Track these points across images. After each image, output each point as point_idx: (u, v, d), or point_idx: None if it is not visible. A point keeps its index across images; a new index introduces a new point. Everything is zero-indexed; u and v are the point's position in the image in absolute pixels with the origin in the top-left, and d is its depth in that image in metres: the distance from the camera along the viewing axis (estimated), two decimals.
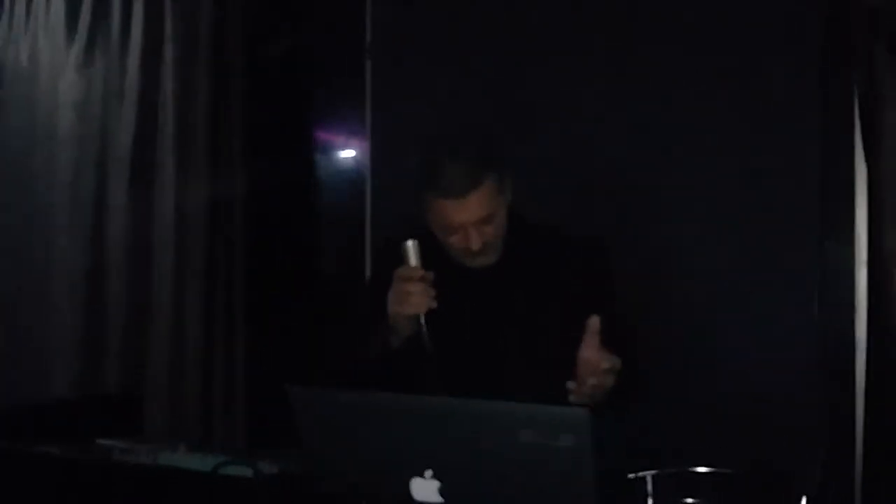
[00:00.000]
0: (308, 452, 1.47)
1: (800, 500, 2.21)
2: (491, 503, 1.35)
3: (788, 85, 2.52)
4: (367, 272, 2.86)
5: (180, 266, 3.09)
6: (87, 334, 3.17)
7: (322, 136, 3.37)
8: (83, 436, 2.07)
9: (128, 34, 3.21)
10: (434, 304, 1.88)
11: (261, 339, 3.15)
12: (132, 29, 3.20)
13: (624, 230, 2.61)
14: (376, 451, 1.40)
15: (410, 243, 1.90)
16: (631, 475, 2.34)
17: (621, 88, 2.70)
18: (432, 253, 1.96)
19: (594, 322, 1.79)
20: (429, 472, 1.36)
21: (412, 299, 1.87)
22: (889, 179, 2.28)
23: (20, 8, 3.40)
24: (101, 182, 3.23)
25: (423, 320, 1.88)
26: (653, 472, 2.38)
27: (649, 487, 2.34)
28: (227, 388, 3.06)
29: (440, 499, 1.37)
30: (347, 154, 3.34)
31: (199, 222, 3.11)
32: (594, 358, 1.78)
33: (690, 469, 2.36)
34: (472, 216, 1.91)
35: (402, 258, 1.93)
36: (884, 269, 2.26)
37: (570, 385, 1.81)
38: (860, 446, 2.32)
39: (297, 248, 3.38)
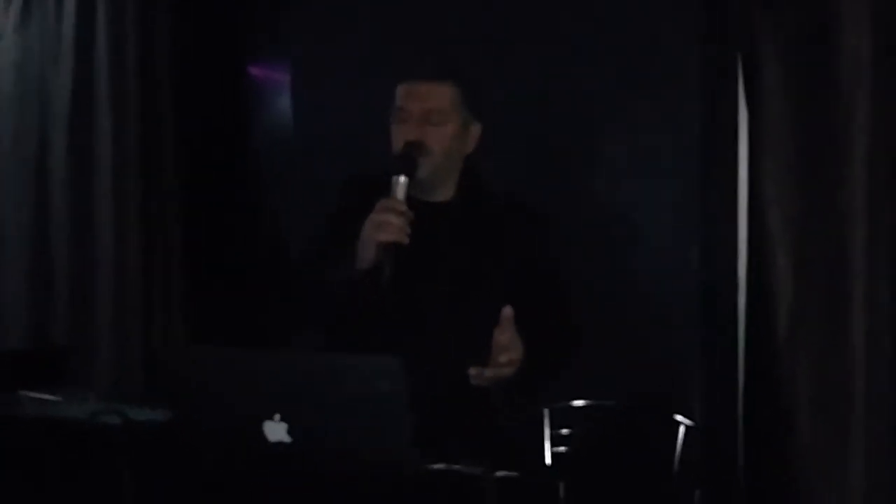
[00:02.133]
0: (171, 403, 1.63)
1: (678, 427, 2.39)
2: (329, 441, 1.52)
3: (672, 45, 2.63)
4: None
5: (119, 220, 3.23)
6: (34, 285, 3.32)
7: (254, 73, 3.47)
8: (16, 386, 2.24)
9: None
10: (407, 240, 1.95)
11: (200, 288, 3.29)
12: None
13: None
14: (231, 400, 1.56)
15: (402, 178, 1.98)
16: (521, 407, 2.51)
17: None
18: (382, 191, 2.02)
19: (507, 311, 1.92)
20: (277, 416, 1.53)
21: (392, 228, 1.93)
22: (766, 123, 2.39)
23: None
24: (43, 141, 3.36)
25: (391, 251, 1.93)
26: (546, 406, 2.56)
27: (546, 421, 2.52)
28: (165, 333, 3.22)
29: (289, 438, 1.53)
30: (276, 92, 3.43)
31: (135, 172, 3.23)
32: (504, 343, 1.91)
33: (568, 403, 2.53)
34: (422, 103, 2.05)
35: (364, 195, 2.04)
36: (760, 209, 2.39)
37: (472, 371, 1.93)
38: (742, 376, 2.46)
39: (234, 189, 3.50)
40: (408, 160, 2.02)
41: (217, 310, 3.20)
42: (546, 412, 2.53)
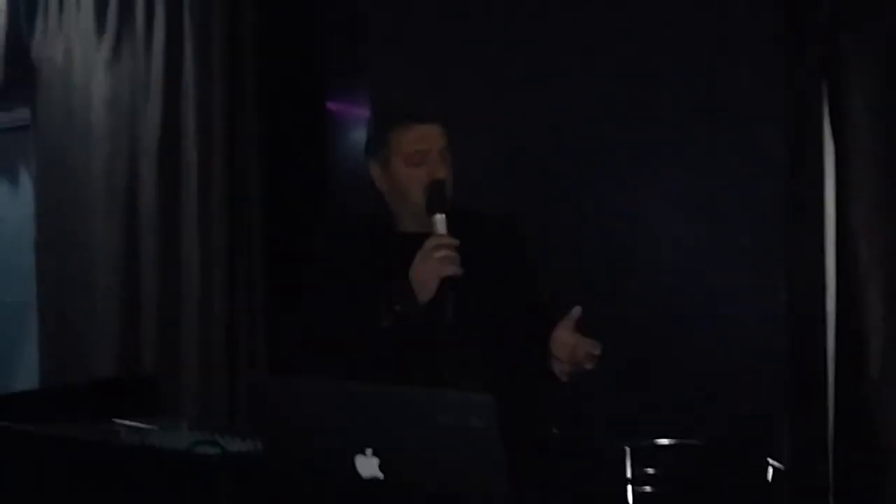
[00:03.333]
0: (264, 436, 1.66)
1: (767, 470, 2.32)
2: (421, 476, 1.53)
3: (753, 70, 2.60)
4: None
5: (204, 253, 3.30)
6: (124, 319, 3.41)
7: (335, 112, 3.53)
8: (111, 414, 2.30)
9: (151, 33, 3.41)
10: (461, 271, 2.04)
11: (282, 324, 3.33)
12: (155, 29, 3.40)
13: (596, 215, 2.73)
14: (323, 433, 1.59)
15: (439, 216, 2.07)
16: (603, 447, 2.49)
17: (587, 73, 2.82)
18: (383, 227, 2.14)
19: (577, 310, 1.98)
20: (369, 451, 1.54)
21: (454, 261, 2.03)
22: (854, 159, 2.35)
23: (54, 8, 3.63)
24: (133, 174, 3.47)
25: (448, 286, 2.03)
26: (628, 443, 2.52)
27: (628, 460, 2.49)
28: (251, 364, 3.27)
29: (380, 474, 1.54)
30: (356, 127, 3.48)
31: (223, 210, 3.31)
32: (568, 340, 1.96)
33: (657, 441, 2.49)
34: (438, 141, 2.12)
35: (373, 239, 2.14)
36: (849, 247, 2.34)
37: (556, 365, 1.98)
38: (832, 424, 2.38)
39: (314, 221, 3.54)
40: (441, 197, 2.11)
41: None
42: (627, 450, 2.49)
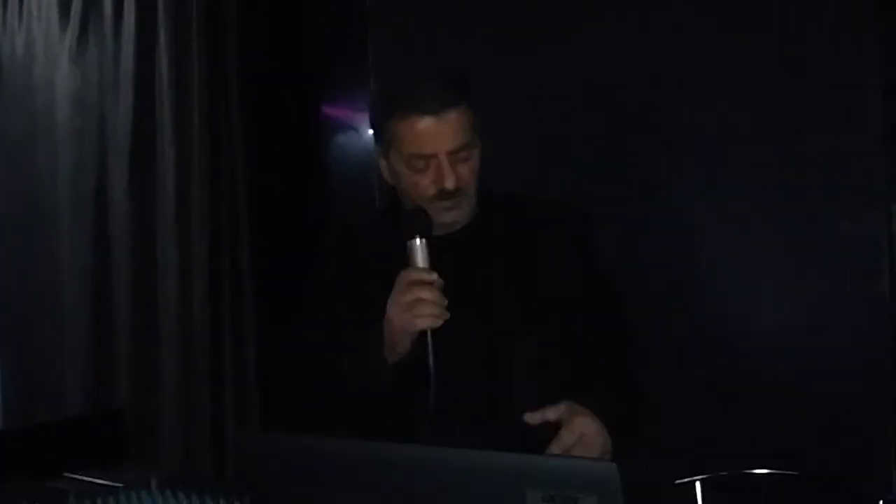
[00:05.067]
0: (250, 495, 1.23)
1: None
2: None
3: (842, 30, 2.19)
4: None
5: (184, 262, 2.88)
6: (95, 343, 3.00)
7: (327, 112, 3.10)
8: (68, 463, 1.87)
9: (120, 20, 3.02)
10: (447, 315, 1.57)
11: (272, 337, 2.91)
12: (125, 15, 3.00)
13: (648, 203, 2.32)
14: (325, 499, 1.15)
15: (418, 242, 1.59)
16: (677, 481, 2.08)
17: (636, 41, 2.39)
18: (391, 226, 1.67)
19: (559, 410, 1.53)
20: None
21: (427, 309, 1.55)
22: None
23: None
24: (102, 175, 3.06)
25: (429, 335, 1.55)
26: (701, 476, 2.12)
27: (699, 493, 2.08)
28: (237, 394, 2.84)
29: None
30: (353, 131, 3.06)
31: (205, 213, 2.89)
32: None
33: (745, 471, 2.08)
34: (448, 142, 1.63)
35: (358, 259, 1.69)
36: None
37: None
38: None
39: (307, 237, 3.13)
40: (421, 217, 1.62)
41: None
42: (698, 485, 2.08)
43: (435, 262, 1.59)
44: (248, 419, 2.78)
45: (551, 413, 1.53)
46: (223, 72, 2.91)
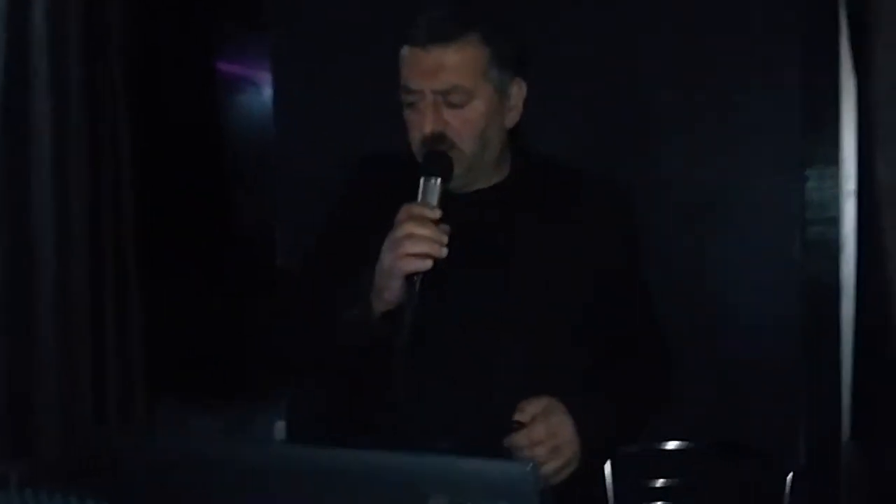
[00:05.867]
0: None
1: (785, 477, 1.93)
2: None
3: (768, 7, 2.20)
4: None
5: (61, 229, 2.65)
6: None
7: (222, 68, 2.92)
8: None
9: None
10: (442, 254, 1.40)
11: (159, 315, 2.72)
12: None
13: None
14: None
15: (433, 180, 1.44)
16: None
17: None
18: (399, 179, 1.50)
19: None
20: None
21: (416, 246, 1.39)
22: (882, 101, 1.97)
23: None
24: None
25: (418, 277, 1.40)
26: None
27: (608, 472, 2.02)
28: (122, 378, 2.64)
29: None
30: (251, 89, 2.90)
31: (83, 179, 2.66)
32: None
33: (657, 446, 2.04)
34: (433, 79, 1.47)
35: (379, 188, 1.54)
36: (874, 201, 1.96)
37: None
38: (847, 416, 2.04)
39: (200, 203, 2.95)
40: (437, 157, 1.47)
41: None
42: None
43: (449, 216, 1.44)
44: (134, 400, 2.59)
45: (531, 409, 1.42)
46: (104, 15, 2.69)
